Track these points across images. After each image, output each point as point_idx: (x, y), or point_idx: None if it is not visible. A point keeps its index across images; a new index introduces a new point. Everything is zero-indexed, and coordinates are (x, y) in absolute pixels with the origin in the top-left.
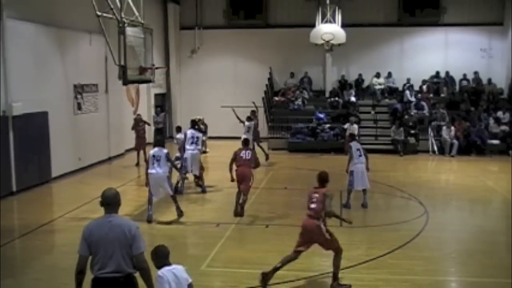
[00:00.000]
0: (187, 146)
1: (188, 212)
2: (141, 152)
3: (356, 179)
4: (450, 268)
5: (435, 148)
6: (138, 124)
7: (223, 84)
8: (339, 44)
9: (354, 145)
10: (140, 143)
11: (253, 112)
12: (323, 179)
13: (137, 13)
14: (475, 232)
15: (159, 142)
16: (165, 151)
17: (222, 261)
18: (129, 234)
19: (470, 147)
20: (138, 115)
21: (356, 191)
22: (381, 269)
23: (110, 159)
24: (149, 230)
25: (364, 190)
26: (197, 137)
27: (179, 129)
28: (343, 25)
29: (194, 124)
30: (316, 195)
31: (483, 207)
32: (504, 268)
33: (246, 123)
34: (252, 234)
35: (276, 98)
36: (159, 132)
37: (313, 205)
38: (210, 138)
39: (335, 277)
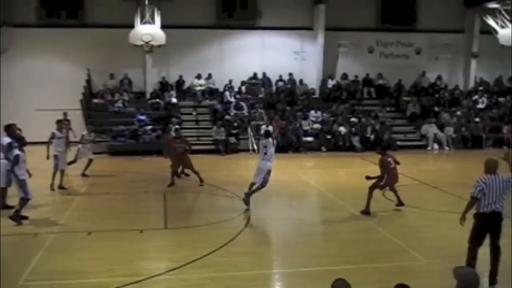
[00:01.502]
0: None
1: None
2: None
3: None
4: (272, 261)
5: (255, 146)
6: None
7: (37, 86)
8: (159, 46)
9: (262, 143)
10: None
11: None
12: None
13: None
14: (294, 225)
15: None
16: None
17: (43, 273)
18: None
19: (287, 144)
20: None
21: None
22: (207, 268)
23: None
24: None
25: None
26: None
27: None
28: (163, 27)
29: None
30: None
31: (300, 201)
32: (322, 256)
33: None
34: (74, 242)
35: (95, 101)
36: None
37: None
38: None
39: None
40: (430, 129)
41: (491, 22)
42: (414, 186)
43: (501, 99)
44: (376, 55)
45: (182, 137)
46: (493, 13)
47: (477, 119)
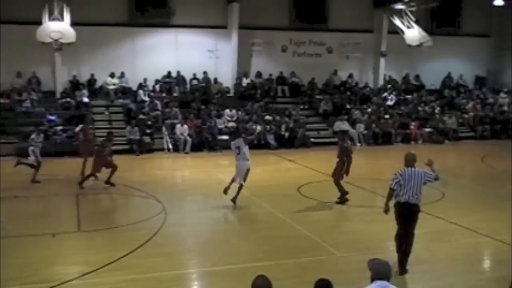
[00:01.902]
0: None
1: None
2: None
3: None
4: (190, 260)
5: (170, 146)
6: None
7: None
8: (69, 43)
9: (234, 143)
10: None
11: None
12: None
13: None
14: (210, 224)
15: None
16: None
17: None
18: None
19: (202, 143)
20: None
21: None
22: (123, 270)
23: None
24: None
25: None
26: None
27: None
28: (73, 24)
29: None
30: None
31: (216, 200)
32: (240, 254)
33: None
34: None
35: (1, 100)
36: None
37: None
38: None
39: None
40: (342, 126)
41: (397, 22)
42: (327, 182)
43: (408, 97)
44: (289, 53)
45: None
46: (400, 14)
47: (386, 116)
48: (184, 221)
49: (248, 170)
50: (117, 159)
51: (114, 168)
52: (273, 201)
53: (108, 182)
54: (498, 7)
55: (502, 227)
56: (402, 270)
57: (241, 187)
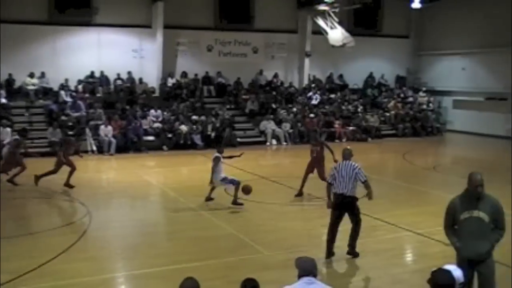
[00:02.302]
0: None
1: None
2: None
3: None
4: (116, 264)
5: (94, 147)
6: None
7: None
8: None
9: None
10: None
11: None
12: None
13: None
14: (137, 226)
15: None
16: None
17: None
18: None
19: (127, 144)
20: None
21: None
22: (46, 277)
23: None
24: None
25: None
26: None
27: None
28: None
29: None
30: None
31: (142, 201)
32: (167, 255)
33: None
34: None
35: None
36: None
37: None
38: None
39: None
40: (268, 125)
41: (321, 23)
42: (254, 180)
43: (332, 96)
44: (215, 53)
45: None
46: (323, 15)
47: (311, 115)
48: (110, 224)
49: (224, 178)
50: (39, 162)
51: (72, 169)
52: (201, 201)
53: (37, 179)
54: (416, 9)
55: (422, 221)
56: (352, 251)
57: (236, 187)
